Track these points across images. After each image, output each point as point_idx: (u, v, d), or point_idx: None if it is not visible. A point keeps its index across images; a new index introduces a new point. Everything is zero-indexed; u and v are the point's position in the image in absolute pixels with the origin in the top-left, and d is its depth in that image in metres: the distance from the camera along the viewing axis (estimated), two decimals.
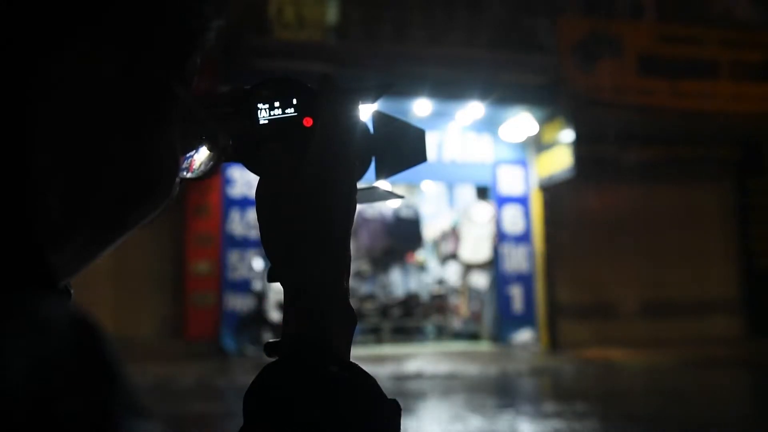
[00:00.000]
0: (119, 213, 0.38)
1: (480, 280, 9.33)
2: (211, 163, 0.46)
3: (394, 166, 0.62)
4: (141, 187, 0.38)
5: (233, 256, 8.30)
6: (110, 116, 0.35)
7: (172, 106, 0.38)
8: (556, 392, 6.71)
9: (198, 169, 0.45)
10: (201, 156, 0.45)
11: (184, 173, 0.43)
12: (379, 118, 0.62)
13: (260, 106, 0.55)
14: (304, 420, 0.41)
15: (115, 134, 0.35)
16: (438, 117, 8.44)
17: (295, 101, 0.54)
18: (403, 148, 0.63)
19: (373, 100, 0.60)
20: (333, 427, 0.41)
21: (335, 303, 0.47)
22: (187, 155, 0.44)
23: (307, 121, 0.53)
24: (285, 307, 0.47)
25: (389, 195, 0.65)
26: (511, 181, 9.31)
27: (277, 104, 0.54)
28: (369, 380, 0.44)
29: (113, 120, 0.35)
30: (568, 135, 8.23)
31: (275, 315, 8.06)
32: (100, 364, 0.26)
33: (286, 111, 0.54)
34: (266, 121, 0.54)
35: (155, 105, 0.37)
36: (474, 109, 8.27)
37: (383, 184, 0.64)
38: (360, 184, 0.63)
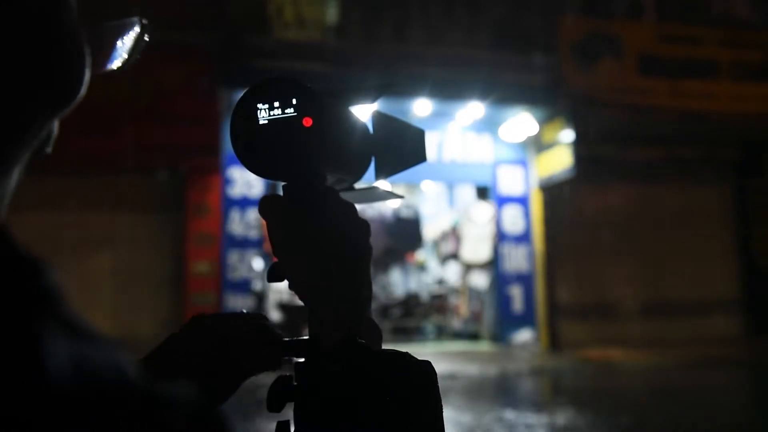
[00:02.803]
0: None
1: (480, 280, 9.33)
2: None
3: (393, 166, 0.62)
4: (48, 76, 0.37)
5: (233, 256, 8.30)
6: None
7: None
8: (556, 392, 6.71)
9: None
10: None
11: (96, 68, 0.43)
12: (379, 118, 0.62)
13: (260, 106, 0.54)
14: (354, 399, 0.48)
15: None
16: (438, 117, 8.44)
17: (294, 101, 0.53)
18: (402, 148, 0.63)
19: (373, 101, 0.59)
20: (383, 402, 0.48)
21: (356, 318, 0.54)
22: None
23: (307, 121, 0.53)
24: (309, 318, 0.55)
25: (389, 195, 0.65)
26: (511, 181, 9.31)
27: (276, 104, 0.54)
28: (398, 355, 0.51)
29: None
30: (568, 135, 8.23)
31: (275, 315, 8.06)
32: (22, 278, 0.27)
33: (286, 111, 0.54)
34: (266, 122, 0.54)
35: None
36: (474, 109, 8.27)
37: (383, 184, 0.64)
38: (360, 184, 0.63)
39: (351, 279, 0.55)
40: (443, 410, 0.50)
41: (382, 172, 0.61)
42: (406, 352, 0.51)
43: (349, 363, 0.49)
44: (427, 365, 0.50)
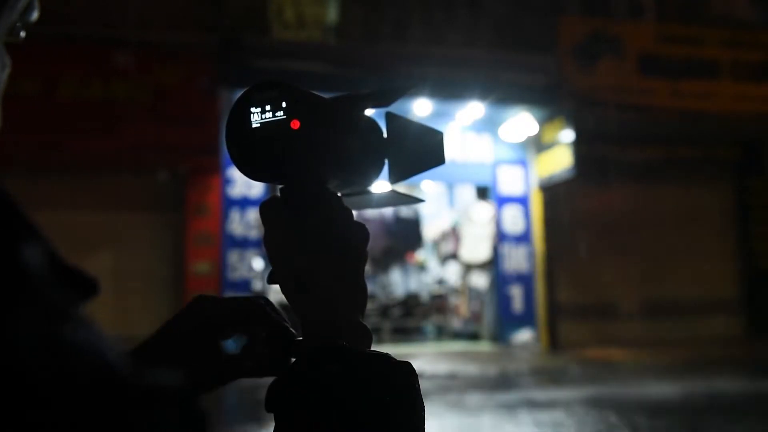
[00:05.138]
0: None
1: (480, 280, 9.33)
2: None
3: (408, 169, 0.61)
4: None
5: (233, 256, 8.30)
6: None
7: None
8: (556, 392, 6.71)
9: None
10: None
11: None
12: (393, 120, 0.62)
13: (253, 110, 0.55)
14: (337, 401, 0.47)
15: None
16: (438, 117, 8.44)
17: (284, 104, 0.54)
18: (418, 151, 0.62)
19: (389, 103, 0.59)
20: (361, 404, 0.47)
21: (340, 321, 0.54)
22: None
23: (294, 124, 0.53)
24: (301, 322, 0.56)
25: (408, 199, 0.64)
26: (511, 181, 9.31)
27: (268, 108, 0.54)
28: (379, 356, 0.51)
29: None
30: (568, 135, 8.22)
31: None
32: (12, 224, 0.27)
33: (276, 114, 0.54)
34: (258, 125, 0.54)
35: None
36: (474, 109, 8.27)
37: (398, 188, 0.63)
38: (376, 188, 0.63)
39: (338, 282, 0.54)
40: (425, 410, 0.50)
41: (395, 176, 0.61)
42: (386, 354, 0.50)
43: (328, 364, 0.49)
44: (406, 366, 0.50)
